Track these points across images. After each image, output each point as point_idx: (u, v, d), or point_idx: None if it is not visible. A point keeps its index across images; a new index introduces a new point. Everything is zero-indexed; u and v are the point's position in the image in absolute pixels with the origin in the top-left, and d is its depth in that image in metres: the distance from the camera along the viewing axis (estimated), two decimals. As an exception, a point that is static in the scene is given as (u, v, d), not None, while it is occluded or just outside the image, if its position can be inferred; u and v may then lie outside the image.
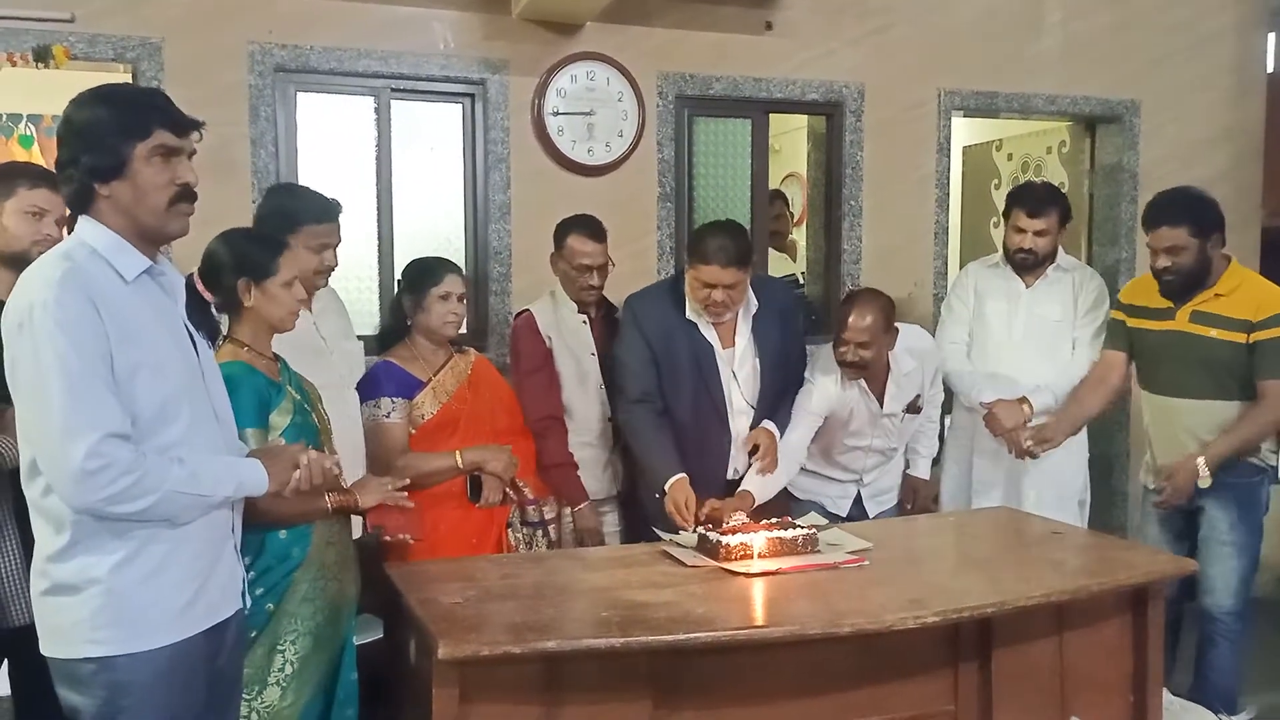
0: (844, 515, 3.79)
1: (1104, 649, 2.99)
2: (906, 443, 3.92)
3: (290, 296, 2.60)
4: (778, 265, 5.68)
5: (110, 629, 1.98)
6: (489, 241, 4.45)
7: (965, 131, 5.97)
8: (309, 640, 2.57)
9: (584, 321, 3.74)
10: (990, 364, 4.05)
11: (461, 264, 4.16)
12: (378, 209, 4.41)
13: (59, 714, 2.08)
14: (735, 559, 2.91)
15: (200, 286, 2.56)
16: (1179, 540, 3.71)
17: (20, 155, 5.70)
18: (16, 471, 2.06)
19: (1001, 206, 4.26)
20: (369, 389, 3.24)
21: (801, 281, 5.36)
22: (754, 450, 3.50)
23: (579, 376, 3.70)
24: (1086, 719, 2.90)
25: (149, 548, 2.01)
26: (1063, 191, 4.27)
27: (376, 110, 4.37)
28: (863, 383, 3.62)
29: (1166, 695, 3.19)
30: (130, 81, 3.87)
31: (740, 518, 3.10)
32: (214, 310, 2.59)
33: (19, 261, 2.69)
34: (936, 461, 4.10)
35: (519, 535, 3.35)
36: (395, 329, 3.38)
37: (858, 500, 3.84)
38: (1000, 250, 4.19)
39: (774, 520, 3.11)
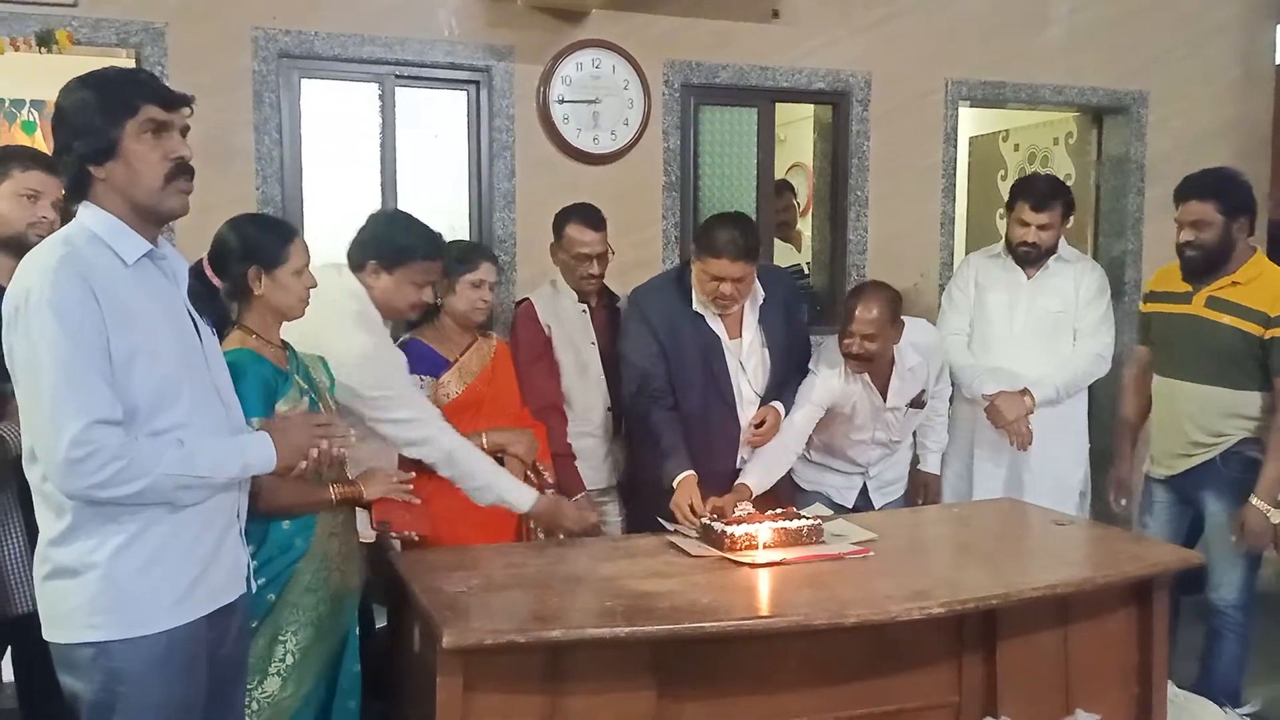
0: (850, 506, 3.78)
1: (1109, 641, 3.00)
2: (914, 436, 3.91)
3: (300, 284, 2.58)
4: (783, 255, 5.67)
5: (107, 614, 1.98)
6: (493, 230, 4.43)
7: (972, 122, 5.94)
8: (311, 631, 2.56)
9: (584, 311, 3.73)
10: (991, 355, 4.04)
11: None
12: (382, 196, 4.40)
13: (62, 701, 2.08)
14: (740, 549, 2.91)
15: (209, 272, 2.55)
16: (1178, 533, 3.72)
17: (23, 141, 5.68)
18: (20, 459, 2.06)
19: (1007, 198, 4.25)
20: None
21: (806, 272, 5.35)
22: (760, 423, 3.49)
23: (579, 366, 3.69)
24: (1091, 711, 2.90)
25: (148, 531, 2.00)
26: (1066, 184, 4.26)
27: (381, 97, 4.35)
28: (866, 376, 3.61)
29: (1171, 687, 3.19)
30: (134, 66, 3.85)
31: (745, 508, 3.09)
32: (223, 296, 2.57)
33: (16, 245, 2.69)
34: (940, 454, 4.09)
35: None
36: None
37: (863, 492, 3.83)
38: (1003, 241, 4.18)
39: (779, 511, 3.11)
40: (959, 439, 4.14)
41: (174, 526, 2.03)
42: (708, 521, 3.04)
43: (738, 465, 3.55)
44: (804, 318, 3.93)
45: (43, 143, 5.64)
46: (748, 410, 3.55)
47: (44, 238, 2.67)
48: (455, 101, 4.48)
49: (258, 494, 2.32)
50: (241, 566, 2.23)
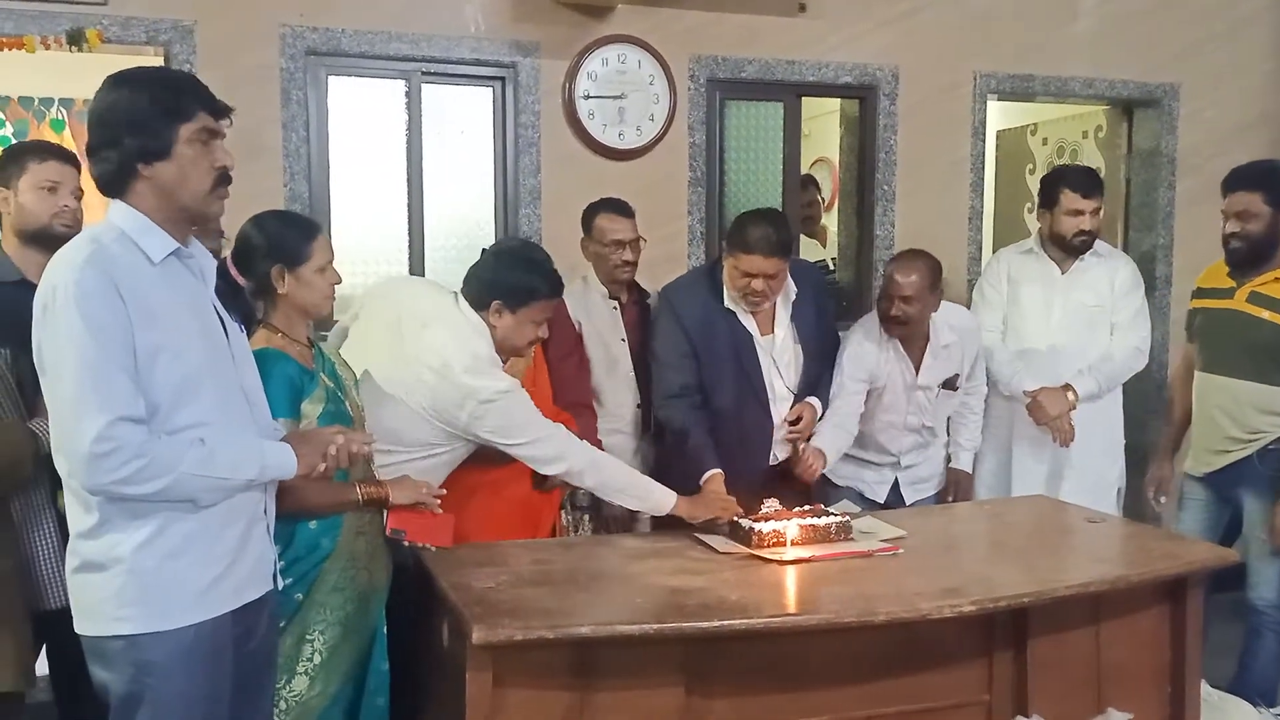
0: (881, 502, 3.77)
1: (1141, 639, 2.97)
2: (949, 434, 3.88)
3: (325, 281, 2.59)
4: (808, 251, 5.63)
5: (134, 607, 2.00)
6: (519, 226, 4.43)
7: (999, 116, 5.89)
8: (338, 630, 2.56)
9: (615, 307, 3.73)
10: (1026, 351, 4.01)
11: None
12: (408, 193, 4.40)
13: (95, 695, 2.10)
14: (768, 546, 2.90)
15: (234, 271, 2.55)
16: (1215, 531, 3.68)
17: (52, 140, 5.72)
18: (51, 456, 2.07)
19: (1036, 191, 4.21)
20: None
21: (832, 267, 5.32)
22: (795, 421, 3.48)
23: (608, 363, 3.69)
24: (1123, 709, 2.87)
25: (172, 527, 2.01)
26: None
27: (408, 94, 4.36)
28: (900, 347, 3.62)
29: (1205, 687, 3.16)
30: (162, 64, 3.87)
31: (773, 505, 3.08)
32: (247, 295, 2.58)
33: (43, 238, 2.71)
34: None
35: (570, 518, 3.34)
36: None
37: (895, 488, 3.81)
38: (1035, 236, 4.15)
39: (806, 508, 3.09)
40: (995, 434, 4.11)
41: (198, 523, 2.04)
42: (736, 519, 3.03)
43: (771, 462, 3.53)
44: (833, 313, 3.90)
45: (70, 141, 5.68)
46: (781, 407, 3.53)
47: (69, 228, 2.73)
48: (481, 98, 4.48)
49: (284, 494, 2.32)
50: (268, 563, 2.24)
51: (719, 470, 3.30)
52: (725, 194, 4.87)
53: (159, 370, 1.97)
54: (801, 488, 3.49)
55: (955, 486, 3.94)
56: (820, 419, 3.57)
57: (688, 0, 4.54)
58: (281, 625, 2.45)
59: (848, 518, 3.06)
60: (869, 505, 3.71)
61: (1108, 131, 5.54)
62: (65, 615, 2.09)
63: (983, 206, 5.14)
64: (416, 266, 4.39)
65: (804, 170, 5.53)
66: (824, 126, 6.07)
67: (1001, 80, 5.04)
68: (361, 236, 4.35)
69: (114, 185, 2.05)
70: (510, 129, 4.43)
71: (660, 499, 3.07)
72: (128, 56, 3.88)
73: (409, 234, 4.42)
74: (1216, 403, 3.63)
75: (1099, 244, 4.07)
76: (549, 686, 2.42)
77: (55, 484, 2.23)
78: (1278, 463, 3.49)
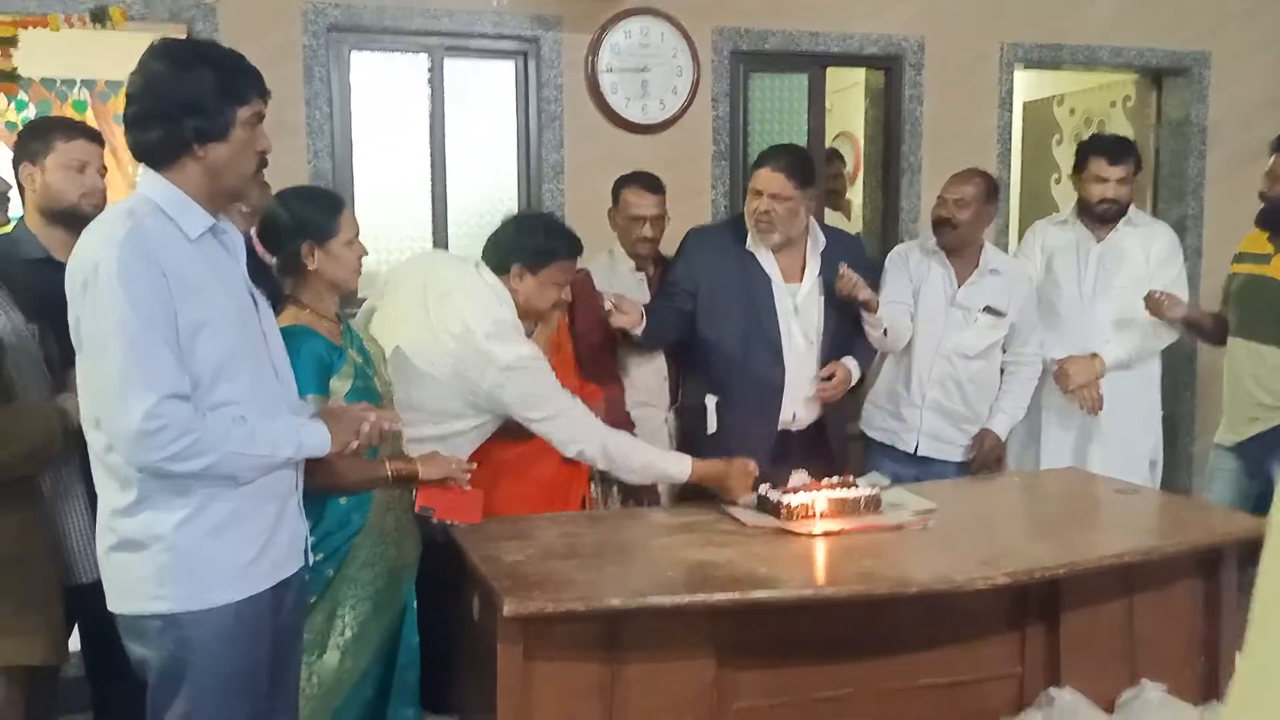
0: (912, 451, 3.75)
1: (1175, 611, 2.95)
2: (990, 400, 3.80)
3: (353, 255, 2.58)
4: (834, 224, 5.58)
5: (175, 585, 1.99)
6: (542, 200, 4.41)
7: (1026, 86, 5.82)
8: (369, 605, 2.56)
9: (641, 280, 3.70)
10: (1061, 321, 3.95)
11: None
12: (431, 168, 4.40)
13: (128, 668, 2.10)
14: (796, 519, 2.88)
15: (260, 248, 2.54)
16: (1245, 501, 3.64)
17: (76, 119, 5.72)
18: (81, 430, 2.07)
19: (1064, 163, 4.16)
20: None
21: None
22: (829, 376, 3.46)
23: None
24: (1157, 682, 2.84)
25: (212, 505, 2.01)
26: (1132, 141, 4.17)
27: (430, 68, 4.34)
28: (944, 257, 3.66)
29: (1238, 659, 3.12)
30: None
31: (802, 477, 3.06)
32: (274, 272, 2.57)
33: (70, 216, 2.69)
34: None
35: (599, 489, 3.34)
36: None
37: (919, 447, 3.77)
38: (1071, 207, 4.09)
39: (835, 480, 3.07)
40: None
41: (237, 500, 2.04)
42: (763, 492, 3.01)
43: (779, 425, 3.49)
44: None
45: (93, 121, 5.69)
46: (797, 359, 3.46)
47: (96, 207, 2.70)
48: (504, 72, 4.46)
49: (315, 471, 2.32)
50: (300, 539, 2.24)
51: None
52: (749, 167, 4.83)
53: (200, 346, 1.97)
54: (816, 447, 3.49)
55: (980, 443, 3.75)
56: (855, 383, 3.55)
57: (711, -29, 4.50)
58: (312, 600, 2.45)
59: (877, 490, 3.04)
60: (900, 461, 3.73)
61: (1136, 101, 5.46)
62: (97, 589, 2.09)
63: (1009, 178, 5.09)
64: (440, 241, 4.39)
65: (828, 144, 5.50)
66: (847, 100, 6.01)
67: (1029, 50, 4.98)
68: (385, 212, 4.35)
69: (159, 158, 2.02)
70: (533, 103, 4.41)
71: (675, 472, 3.05)
72: (150, 35, 3.85)
73: (432, 209, 4.42)
74: (1248, 370, 3.60)
75: (1135, 213, 4.01)
76: (579, 659, 2.42)
77: (84, 459, 2.23)
78: None
